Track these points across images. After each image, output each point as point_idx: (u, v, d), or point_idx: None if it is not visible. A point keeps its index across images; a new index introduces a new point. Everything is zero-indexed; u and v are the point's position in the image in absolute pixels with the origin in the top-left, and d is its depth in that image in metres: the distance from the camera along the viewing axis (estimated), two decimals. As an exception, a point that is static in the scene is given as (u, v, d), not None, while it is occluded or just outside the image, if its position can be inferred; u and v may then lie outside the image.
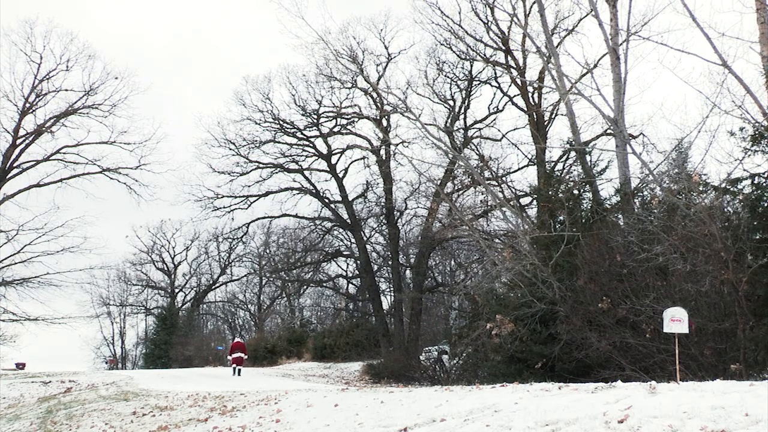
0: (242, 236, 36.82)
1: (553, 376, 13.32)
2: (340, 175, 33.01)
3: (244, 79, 34.86)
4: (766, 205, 12.25)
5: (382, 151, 31.46)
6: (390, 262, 33.64)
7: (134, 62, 78.01)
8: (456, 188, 26.86)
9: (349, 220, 32.74)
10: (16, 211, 32.86)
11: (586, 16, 22.11)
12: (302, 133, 32.81)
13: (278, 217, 34.45)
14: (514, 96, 26.83)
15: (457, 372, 20.84)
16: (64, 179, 32.96)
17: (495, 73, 27.32)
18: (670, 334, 10.36)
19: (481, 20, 24.59)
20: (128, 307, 60.97)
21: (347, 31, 28.87)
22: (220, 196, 32.89)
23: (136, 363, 60.15)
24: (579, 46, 42.96)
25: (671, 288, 12.39)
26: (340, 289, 41.76)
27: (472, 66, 28.10)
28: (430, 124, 25.40)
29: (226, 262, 57.42)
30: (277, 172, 33.20)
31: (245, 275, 56.32)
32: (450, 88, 28.96)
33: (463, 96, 28.95)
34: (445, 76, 28.64)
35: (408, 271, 34.46)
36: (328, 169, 33.08)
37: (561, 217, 15.96)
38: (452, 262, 35.55)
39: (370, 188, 33.20)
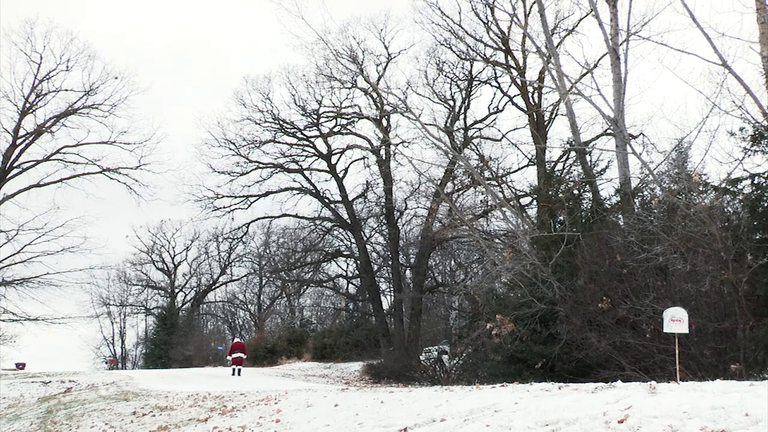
0: (242, 236, 36.82)
1: (553, 376, 13.32)
2: (340, 175, 33.01)
3: (244, 79, 34.86)
4: (766, 205, 12.26)
5: (382, 151, 31.45)
6: (390, 262, 33.63)
7: (134, 62, 78.09)
8: (456, 188, 26.86)
9: (349, 220, 32.73)
10: (16, 211, 32.88)
11: (586, 16, 22.14)
12: (302, 133, 32.80)
13: (278, 217, 34.45)
14: (514, 96, 26.84)
15: (457, 372, 20.84)
16: (64, 179, 32.98)
17: (495, 73, 27.33)
18: (670, 334, 10.36)
19: (481, 20, 24.61)
20: (128, 307, 61.05)
21: (347, 31, 28.89)
22: (220, 196, 32.88)
23: (136, 363, 60.17)
24: (579, 46, 43.01)
25: (671, 288, 12.39)
26: (340, 289, 41.76)
27: (472, 66, 28.13)
28: (430, 124, 25.41)
29: (226, 262, 57.48)
30: (277, 172, 33.20)
31: (245, 275, 56.41)
32: (450, 88, 28.99)
33: (463, 96, 28.96)
34: (445, 76, 28.66)
35: (408, 271, 34.45)
36: (328, 169, 33.07)
37: (561, 217, 15.96)
38: (452, 262, 35.56)
39: (370, 188, 33.22)
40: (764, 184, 12.40)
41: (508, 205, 19.29)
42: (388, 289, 37.96)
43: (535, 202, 21.41)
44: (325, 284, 39.61)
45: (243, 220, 35.96)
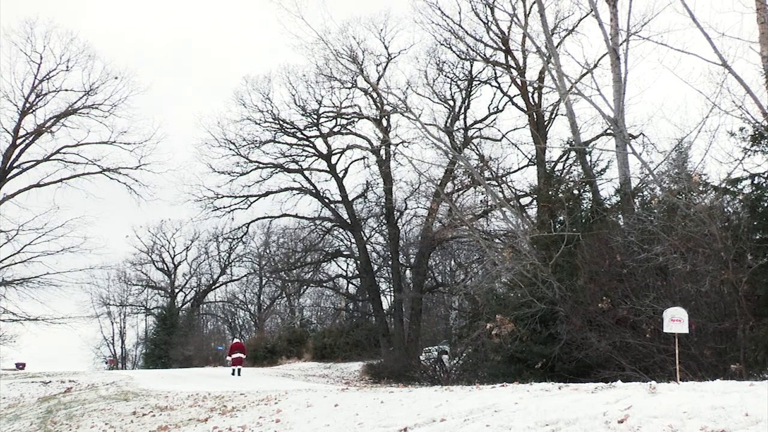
0: (242, 236, 36.82)
1: (553, 376, 13.32)
2: (340, 175, 33.00)
3: (244, 79, 34.86)
4: (766, 205, 12.26)
5: (382, 151, 31.45)
6: (390, 262, 33.62)
7: (134, 62, 78.09)
8: (456, 188, 26.86)
9: (349, 220, 32.73)
10: (16, 211, 32.87)
11: (586, 16, 22.14)
12: (302, 133, 32.80)
13: (278, 217, 34.45)
14: (514, 96, 26.84)
15: (457, 372, 20.84)
16: (64, 179, 32.97)
17: (495, 73, 27.33)
18: (670, 334, 10.36)
19: (481, 20, 24.61)
20: (128, 307, 61.06)
21: (347, 31, 28.89)
22: (220, 196, 32.88)
23: (136, 363, 60.17)
24: (579, 46, 43.01)
25: (671, 288, 12.39)
26: (340, 289, 41.76)
27: (472, 66, 28.13)
28: (430, 124, 25.41)
29: (226, 262, 57.48)
30: (277, 172, 33.19)
31: (245, 275, 56.41)
32: (450, 88, 28.99)
33: (463, 96, 28.96)
34: (445, 76, 28.66)
35: (408, 271, 34.45)
36: (328, 169, 33.07)
37: (561, 217, 15.96)
38: (452, 262, 35.56)
39: (370, 188, 33.21)
40: (764, 184, 12.40)
41: (508, 205, 19.29)
42: (388, 289, 37.98)
43: (535, 202, 21.41)
44: (325, 284, 39.61)
45: (243, 220, 36.02)
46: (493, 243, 20.15)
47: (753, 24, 14.58)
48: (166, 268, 59.18)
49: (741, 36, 19.20)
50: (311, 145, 33.08)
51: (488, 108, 28.79)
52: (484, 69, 27.68)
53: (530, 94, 25.11)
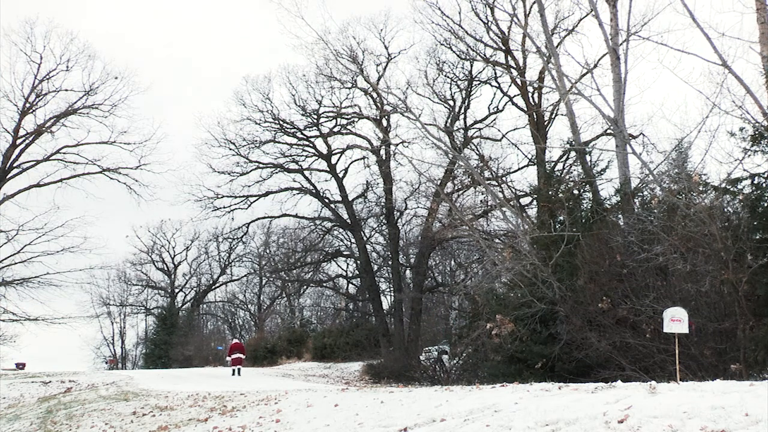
0: (242, 236, 36.82)
1: (553, 376, 13.32)
2: (340, 175, 33.01)
3: (244, 79, 34.84)
4: (766, 205, 12.26)
5: (382, 151, 31.45)
6: (390, 262, 33.62)
7: (134, 62, 78.08)
8: (456, 188, 26.85)
9: (349, 220, 32.73)
10: (16, 211, 32.84)
11: (586, 16, 22.14)
12: (302, 133, 32.80)
13: (278, 217, 34.45)
14: (514, 96, 26.84)
15: (457, 372, 20.84)
16: (64, 179, 32.97)
17: (495, 73, 27.33)
18: (670, 334, 10.36)
19: (481, 20, 24.61)
20: (128, 307, 61.05)
21: (347, 31, 28.88)
22: (220, 196, 32.88)
23: (136, 363, 60.17)
24: (579, 46, 42.97)
25: (671, 288, 12.39)
26: (340, 289, 41.76)
27: (472, 66, 28.13)
28: (430, 124, 25.41)
29: (226, 262, 57.48)
30: (277, 172, 33.20)
31: (245, 275, 56.40)
32: (450, 88, 28.99)
33: (463, 96, 28.95)
34: (445, 76, 28.66)
35: (408, 271, 34.45)
36: (328, 169, 33.07)
37: (561, 217, 15.96)
38: (452, 262, 35.55)
39: (370, 188, 33.21)
40: (764, 184, 12.40)
41: (508, 205, 19.29)
42: (388, 289, 37.98)
43: (535, 202, 21.41)
44: (325, 284, 39.61)
45: (243, 220, 35.99)
46: (493, 243, 20.15)
47: (753, 24, 14.59)
48: (166, 268, 59.20)
49: (741, 36, 19.19)
50: (311, 145, 33.08)
51: (488, 108, 28.83)
52: (484, 69, 27.70)
53: (530, 94, 25.11)
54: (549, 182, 17.86)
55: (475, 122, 29.14)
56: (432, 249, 30.71)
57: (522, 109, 26.25)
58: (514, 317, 15.02)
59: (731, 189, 12.88)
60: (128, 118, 38.18)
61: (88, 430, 12.56)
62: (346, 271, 42.20)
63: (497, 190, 21.44)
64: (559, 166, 22.42)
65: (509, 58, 25.46)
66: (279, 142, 33.04)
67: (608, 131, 20.80)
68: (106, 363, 59.59)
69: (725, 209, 12.99)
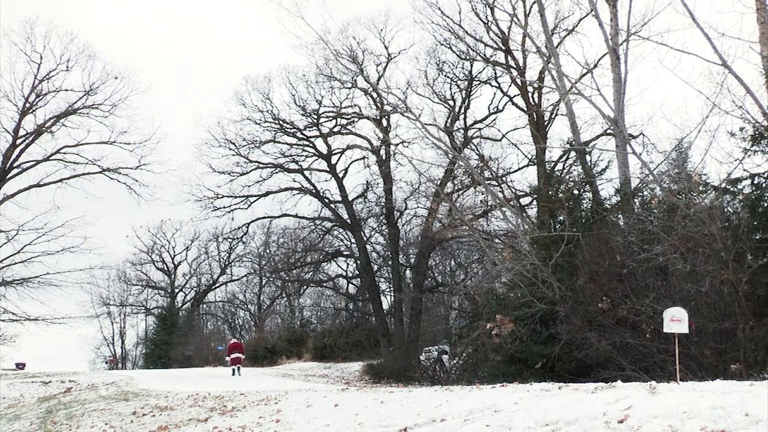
0: (242, 236, 36.82)
1: (553, 376, 13.32)
2: (340, 175, 33.01)
3: (244, 79, 34.84)
4: (766, 205, 12.26)
5: (382, 151, 31.45)
6: (390, 262, 33.62)
7: (134, 62, 78.07)
8: (456, 188, 26.85)
9: (349, 220, 32.74)
10: (16, 211, 32.84)
11: (586, 16, 22.13)
12: (302, 133, 32.80)
13: (278, 217, 34.45)
14: (514, 96, 26.84)
15: (457, 372, 20.84)
16: (64, 179, 32.98)
17: (495, 73, 27.33)
18: (670, 334, 10.36)
19: (481, 20, 24.62)
20: (128, 307, 61.07)
21: (347, 31, 28.88)
22: (220, 196, 32.88)
23: (136, 363, 60.18)
24: (579, 46, 42.95)
25: (671, 288, 12.39)
26: (340, 289, 41.76)
27: (472, 66, 28.13)
28: (430, 124, 25.41)
29: (226, 262, 57.48)
30: (277, 172, 33.20)
31: (245, 275, 56.41)
32: (450, 88, 28.99)
33: (463, 96, 28.95)
34: (445, 76, 28.66)
35: (408, 271, 34.44)
36: (328, 169, 33.08)
37: (561, 217, 15.96)
38: (452, 262, 35.55)
39: (370, 188, 33.22)
40: (764, 184, 12.40)
41: (508, 205, 19.29)
42: (388, 289, 37.98)
43: (535, 202, 21.41)
44: (325, 284, 39.61)
45: (243, 220, 35.99)
46: (493, 243, 20.15)
47: (753, 24, 14.59)
48: (166, 268, 59.21)
49: (741, 36, 19.19)
50: (311, 145, 33.08)
51: (488, 108, 28.83)
52: (484, 69, 27.70)
53: (530, 94, 25.11)
54: (549, 182, 17.86)
55: (475, 122, 29.14)
56: (432, 249, 30.71)
57: (522, 109, 26.25)
58: (514, 317, 15.01)
59: (731, 189, 12.88)
60: (128, 118, 38.24)
61: (88, 430, 12.56)
62: (346, 271, 42.25)
63: (497, 190, 21.45)
64: (559, 166, 22.43)
65: (509, 58, 25.46)
66: (279, 142, 33.06)
67: (608, 131, 20.80)
68: (106, 363, 59.61)
69: (725, 209, 12.98)
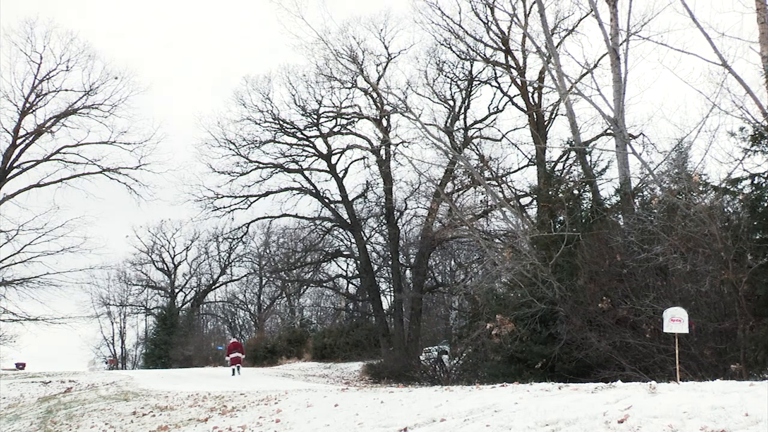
0: (242, 236, 36.80)
1: (553, 376, 13.32)
2: (340, 175, 33.01)
3: (244, 79, 34.85)
4: (766, 205, 12.26)
5: (382, 151, 31.45)
6: (390, 262, 33.62)
7: (134, 62, 78.06)
8: (456, 188, 26.85)
9: (349, 220, 32.74)
10: (16, 211, 32.87)
11: (586, 16, 22.14)
12: (302, 133, 32.80)
13: (278, 217, 34.44)
14: (514, 96, 26.84)
15: (457, 372, 20.84)
16: (64, 179, 32.97)
17: (495, 73, 27.33)
18: (670, 334, 10.35)
19: (481, 20, 24.62)
20: (128, 307, 61.07)
21: (347, 31, 28.89)
22: (220, 196, 32.88)
23: (136, 363, 60.18)
24: (579, 46, 42.97)
25: (671, 288, 12.39)
26: (340, 289, 41.76)
27: (472, 66, 28.13)
28: (430, 124, 25.41)
29: (226, 262, 57.48)
30: (277, 172, 33.19)
31: (245, 275, 56.41)
32: (450, 88, 28.99)
33: (463, 96, 28.95)
34: (445, 76, 28.66)
35: (408, 271, 34.44)
36: (328, 169, 33.07)
37: (561, 217, 15.96)
38: (452, 262, 35.55)
39: (370, 188, 33.21)
40: (764, 184, 12.40)
41: (508, 205, 19.28)
42: (388, 289, 37.98)
43: (535, 202, 21.41)
44: (325, 284, 39.61)
45: (243, 220, 36.02)
46: (493, 243, 20.15)
47: (753, 24, 14.59)
48: (166, 268, 59.21)
49: (741, 36, 19.18)
50: (311, 145, 33.08)
51: (488, 108, 28.82)
52: (484, 69, 27.69)
53: (530, 94, 25.11)
54: (549, 182, 17.85)
55: (475, 122, 29.14)
56: (432, 249, 30.71)
57: (522, 109, 26.25)
58: (514, 317, 15.01)
59: (731, 189, 12.87)
60: (128, 118, 38.30)
61: (88, 430, 12.56)
62: (346, 271, 42.25)
63: (497, 190, 21.44)
64: (559, 166, 22.42)
65: (509, 58, 25.46)
66: (279, 142, 33.06)
67: (608, 131, 20.80)
68: (106, 363, 59.61)
69: (725, 209, 12.98)
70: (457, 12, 25.14)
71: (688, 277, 12.01)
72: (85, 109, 33.14)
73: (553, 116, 25.25)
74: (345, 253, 35.61)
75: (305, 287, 46.57)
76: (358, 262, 34.38)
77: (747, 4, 14.37)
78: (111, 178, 33.87)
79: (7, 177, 31.96)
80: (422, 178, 26.78)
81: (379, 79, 29.81)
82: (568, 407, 6.22)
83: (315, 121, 32.31)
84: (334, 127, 32.72)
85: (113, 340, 61.94)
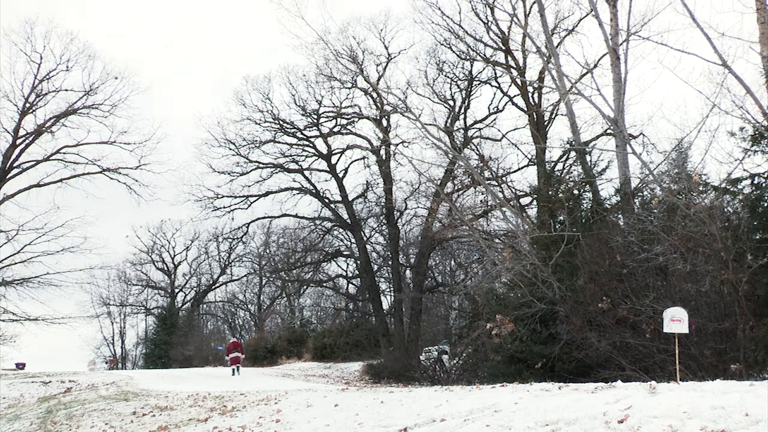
0: (242, 236, 36.81)
1: (553, 376, 13.32)
2: (340, 175, 33.01)
3: (244, 79, 34.84)
4: (766, 205, 12.26)
5: (382, 151, 31.45)
6: (390, 262, 33.62)
7: (134, 62, 78.07)
8: (456, 188, 26.85)
9: (349, 220, 32.74)
10: (16, 211, 32.84)
11: (586, 16, 22.14)
12: (302, 133, 32.80)
13: (278, 217, 34.45)
14: (514, 96, 26.84)
15: (457, 372, 20.84)
16: (64, 179, 32.97)
17: (495, 73, 27.33)
18: (670, 334, 10.35)
19: (481, 20, 24.63)
20: (128, 307, 61.07)
21: (347, 31, 28.89)
22: (220, 196, 32.88)
23: (136, 363, 60.18)
24: (579, 46, 42.94)
25: (671, 288, 12.39)
26: (340, 289, 41.76)
27: (472, 66, 28.13)
28: (430, 124, 25.41)
29: (226, 262, 57.48)
30: (277, 172, 33.20)
31: (245, 275, 56.41)
32: (450, 88, 28.99)
33: (463, 96, 28.95)
34: (445, 76, 28.66)
35: (408, 271, 34.45)
36: (328, 169, 33.08)
37: (561, 217, 15.96)
38: (452, 262, 35.55)
39: (370, 188, 33.21)
40: (764, 184, 12.40)
41: (508, 205, 19.28)
42: (388, 289, 37.98)
43: (535, 202, 21.41)
44: (325, 284, 39.61)
45: (243, 220, 35.99)
46: (493, 243, 20.15)
47: (753, 24, 14.59)
48: (166, 268, 59.20)
49: (741, 36, 19.16)
50: (311, 145, 33.08)
51: (488, 108, 28.82)
52: (484, 69, 27.70)
53: (530, 94, 25.11)
54: (549, 182, 17.85)
55: (475, 122, 29.14)
56: (432, 249, 30.71)
57: (522, 109, 26.25)
58: (514, 317, 15.01)
59: (731, 189, 12.87)
60: (128, 118, 38.27)
61: (88, 430, 12.56)
62: (346, 271, 42.25)
63: (497, 190, 21.44)
64: (559, 166, 22.42)
65: (509, 58, 25.47)
66: (279, 142, 33.06)
67: (608, 131, 20.80)
68: (106, 363, 59.61)
69: (725, 209, 12.98)
70: (457, 12, 25.18)
71: (688, 277, 12.02)
72: (85, 109, 33.16)
73: (553, 116, 25.27)
74: (345, 253, 35.62)
75: (305, 287, 46.58)
76: (358, 262, 34.38)
77: (747, 4, 14.38)
78: (111, 178, 33.89)
79: (7, 177, 31.96)
80: (422, 178, 26.81)
81: (379, 79, 29.82)
82: (568, 407, 6.22)
83: (315, 121, 32.32)
84: (334, 127, 32.73)
85: (113, 340, 62.00)
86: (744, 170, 12.81)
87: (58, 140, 33.13)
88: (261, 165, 32.84)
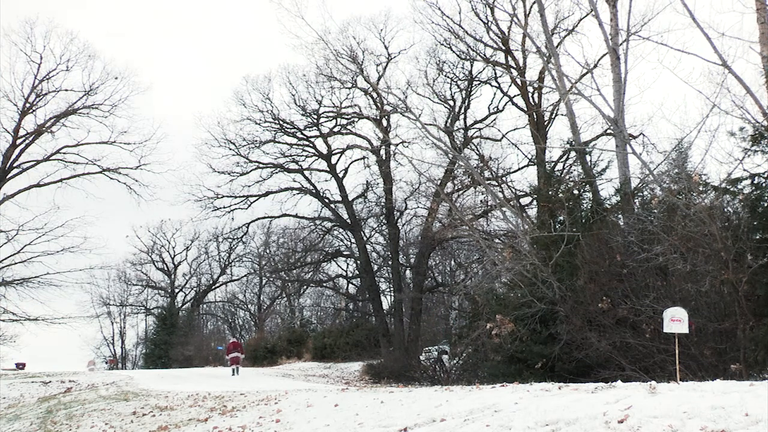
0: (242, 236, 36.82)
1: (553, 376, 13.31)
2: (340, 175, 33.01)
3: (244, 79, 34.78)
4: (766, 205, 12.25)
5: (382, 151, 31.45)
6: (390, 262, 33.62)
7: (134, 62, 78.13)
8: (456, 188, 26.85)
9: (349, 220, 32.74)
10: (16, 211, 32.86)
11: (586, 16, 22.13)
12: (302, 133, 32.80)
13: (278, 217, 34.45)
14: (514, 96, 26.84)
15: (457, 372, 20.84)
16: (64, 179, 32.98)
17: (495, 73, 27.33)
18: (670, 334, 10.35)
19: (481, 20, 24.63)
20: (128, 307, 61.05)
21: (347, 31, 28.90)
22: (220, 196, 32.88)
23: (136, 363, 60.17)
24: (579, 46, 43.03)
25: (671, 288, 12.39)
26: (340, 289, 41.76)
27: (472, 66, 28.13)
28: (430, 124, 25.41)
29: (226, 262, 57.47)
30: (277, 172, 33.20)
31: (245, 275, 56.40)
32: (450, 88, 28.99)
33: (463, 96, 28.95)
34: (445, 76, 28.66)
35: (408, 271, 34.44)
36: (328, 169, 33.08)
37: (561, 217, 15.95)
38: (452, 262, 35.55)
39: (370, 188, 33.21)
40: (764, 184, 12.40)
41: (508, 205, 19.28)
42: (388, 289, 37.98)
43: (535, 202, 21.40)
44: (325, 284, 39.61)
45: (243, 220, 35.98)
46: (493, 243, 20.15)
47: (753, 24, 14.58)
48: (166, 268, 59.20)
49: (741, 36, 19.12)
50: (311, 145, 33.09)
51: (488, 108, 28.82)
52: (484, 69, 27.70)
53: (530, 94, 25.11)
54: (549, 182, 17.85)
55: (475, 122, 29.14)
56: (432, 249, 30.71)
57: (522, 109, 26.25)
58: (514, 317, 15.01)
59: (731, 189, 12.87)
60: (128, 118, 38.21)
61: (88, 430, 12.56)
62: (346, 271, 42.25)
63: (497, 190, 21.44)
64: (559, 166, 22.42)
65: (509, 58, 25.47)
66: (279, 142, 33.06)
67: (608, 131, 20.80)
68: (106, 363, 59.59)
69: (725, 209, 12.98)
70: (457, 12, 25.18)
71: (688, 277, 12.02)
72: (85, 109, 33.17)
73: (553, 116, 25.27)
74: (345, 253, 35.62)
75: (305, 287, 46.58)
76: (358, 262, 34.38)
77: (747, 4, 14.38)
78: (111, 178, 33.91)
79: (7, 177, 31.97)
80: (422, 178, 26.81)
81: (379, 79, 29.81)
82: (568, 407, 6.22)
83: (315, 121, 32.32)
84: (334, 127, 32.74)
85: (113, 340, 61.99)
86: (744, 170, 12.82)
87: (58, 140, 33.22)
88: (261, 165, 32.85)
